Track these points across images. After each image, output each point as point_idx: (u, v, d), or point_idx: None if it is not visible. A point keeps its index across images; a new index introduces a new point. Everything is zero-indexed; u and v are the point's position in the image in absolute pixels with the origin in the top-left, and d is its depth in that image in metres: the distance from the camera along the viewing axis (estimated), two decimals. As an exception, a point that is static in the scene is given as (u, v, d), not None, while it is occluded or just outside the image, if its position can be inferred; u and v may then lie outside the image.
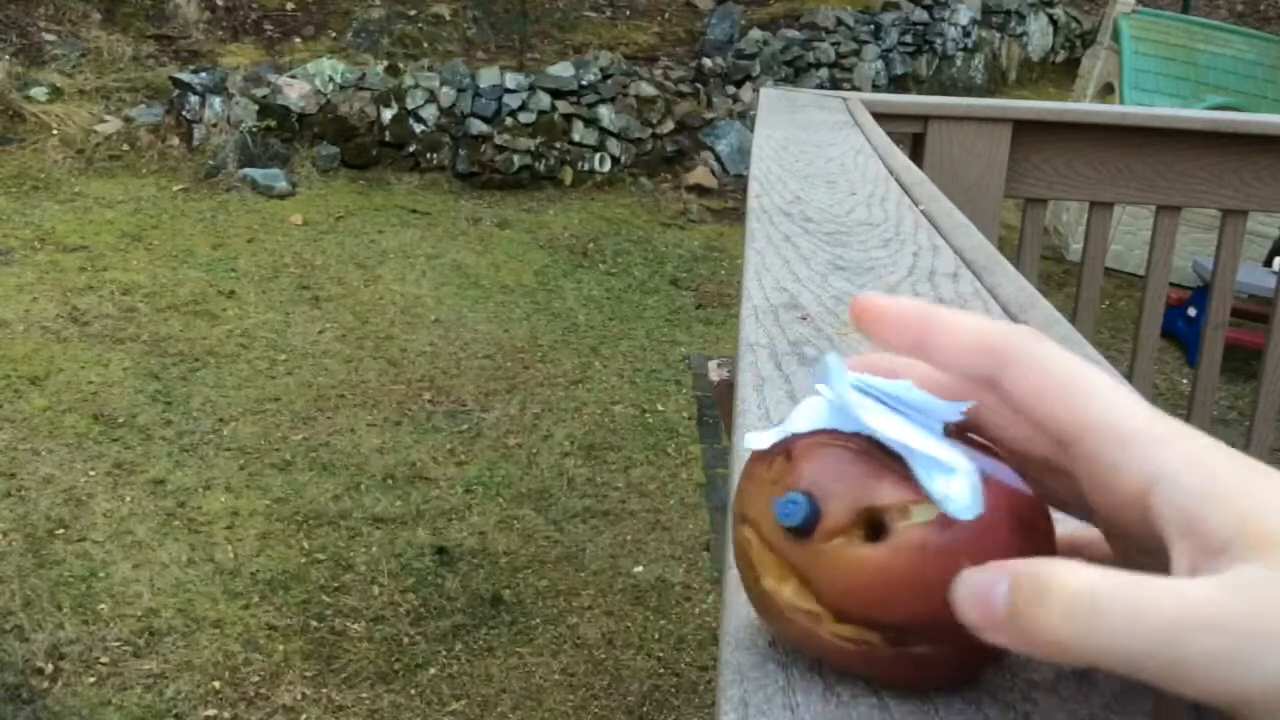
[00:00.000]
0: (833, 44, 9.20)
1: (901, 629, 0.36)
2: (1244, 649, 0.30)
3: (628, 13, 9.68)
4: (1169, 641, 0.30)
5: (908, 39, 9.70)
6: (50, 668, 3.18)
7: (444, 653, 3.38)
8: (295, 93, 7.42)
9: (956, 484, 0.36)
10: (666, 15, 9.68)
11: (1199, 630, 0.30)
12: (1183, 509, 0.33)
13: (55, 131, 7.23)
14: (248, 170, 7.14)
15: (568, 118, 7.86)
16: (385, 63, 7.92)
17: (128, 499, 4.00)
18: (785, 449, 0.39)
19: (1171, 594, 0.31)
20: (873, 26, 9.47)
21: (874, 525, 0.36)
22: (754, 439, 0.40)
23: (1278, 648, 0.30)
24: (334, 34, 8.74)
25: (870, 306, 0.40)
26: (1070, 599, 0.32)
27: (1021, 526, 0.37)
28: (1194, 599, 0.31)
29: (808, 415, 0.40)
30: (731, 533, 0.42)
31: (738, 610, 0.45)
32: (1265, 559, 0.31)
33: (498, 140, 7.66)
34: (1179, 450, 0.34)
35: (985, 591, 0.33)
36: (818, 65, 9.12)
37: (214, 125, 7.33)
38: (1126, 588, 0.31)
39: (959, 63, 10.15)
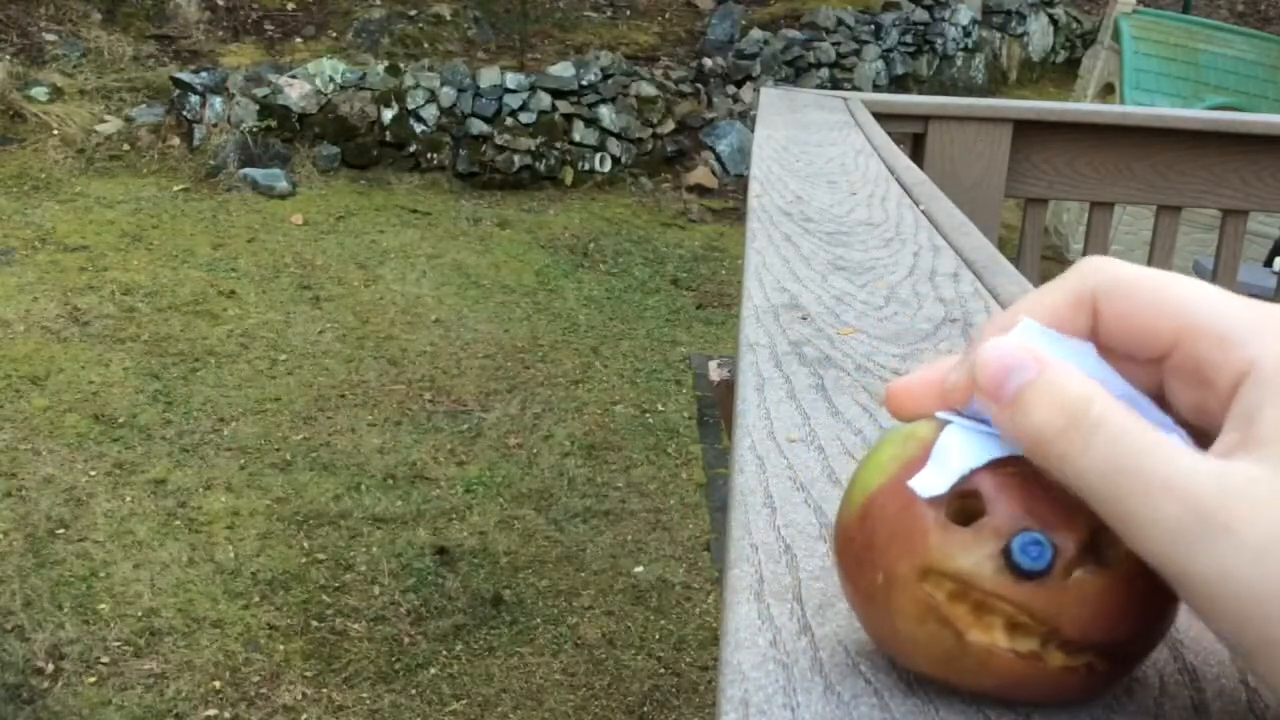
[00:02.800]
0: (833, 44, 9.20)
1: (1121, 642, 0.36)
2: (1201, 532, 0.30)
3: (628, 13, 9.67)
4: (1137, 491, 0.31)
5: (908, 39, 9.70)
6: (51, 667, 3.18)
7: (444, 653, 3.38)
8: (296, 93, 7.42)
9: None
10: (667, 15, 9.68)
11: (1168, 494, 0.30)
12: (1248, 404, 0.32)
13: (56, 131, 7.23)
14: (248, 170, 7.13)
15: (568, 118, 7.86)
16: (386, 63, 7.91)
17: (128, 499, 4.00)
18: (966, 490, 0.36)
19: (1163, 452, 0.31)
20: (873, 26, 9.47)
21: (1094, 547, 0.35)
22: (925, 485, 0.37)
23: (1234, 541, 0.29)
24: (334, 34, 8.74)
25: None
26: (1070, 404, 0.32)
27: None
28: (1180, 467, 0.31)
29: (963, 448, 0.37)
30: (878, 593, 0.38)
31: (738, 609, 0.44)
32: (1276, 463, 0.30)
33: (498, 140, 7.66)
34: (1276, 345, 0.33)
35: (1008, 371, 0.33)
36: (818, 65, 9.12)
37: (214, 125, 7.33)
38: (1128, 423, 0.31)
39: (959, 63, 10.15)
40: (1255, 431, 0.31)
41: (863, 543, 0.38)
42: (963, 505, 0.36)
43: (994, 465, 0.37)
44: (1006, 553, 0.35)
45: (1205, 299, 0.35)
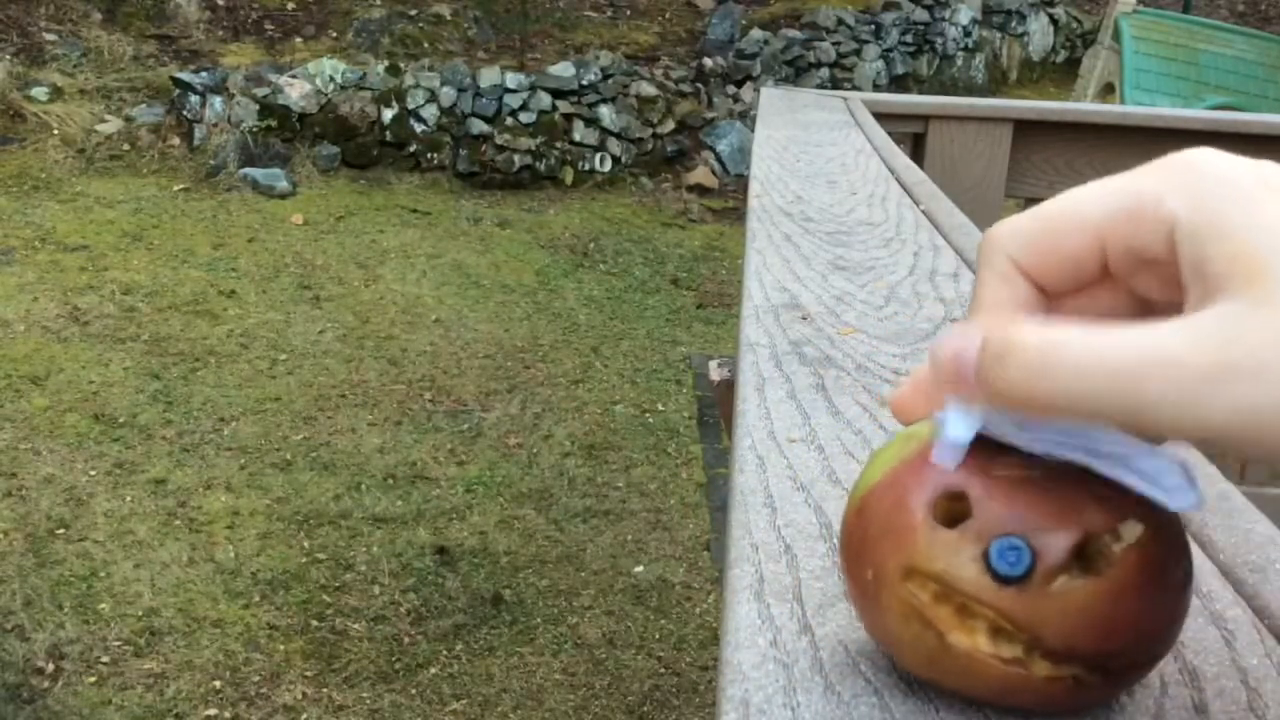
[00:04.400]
0: (833, 44, 9.20)
1: (1111, 655, 0.35)
2: (1201, 386, 0.29)
3: (628, 12, 9.67)
4: (1125, 385, 0.30)
5: (908, 39, 9.70)
6: (51, 667, 3.18)
7: (444, 652, 3.38)
8: (296, 92, 7.42)
9: (1180, 476, 0.34)
10: (667, 15, 9.68)
11: (1155, 368, 0.30)
12: (1193, 252, 0.32)
13: (56, 131, 7.23)
14: (248, 170, 7.13)
15: (568, 117, 7.86)
16: (386, 62, 7.91)
17: (128, 499, 4.00)
18: (955, 493, 0.36)
19: (1132, 337, 0.31)
20: (873, 26, 9.47)
21: (1083, 554, 0.35)
22: (941, 457, 0.37)
23: (1242, 381, 0.29)
24: (335, 34, 8.73)
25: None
26: (1028, 352, 0.32)
27: (1177, 530, 0.36)
28: (1153, 340, 0.30)
29: (963, 417, 0.37)
30: (869, 588, 0.38)
31: (738, 610, 0.45)
32: (1252, 293, 0.29)
33: (498, 140, 7.66)
34: (1177, 183, 0.33)
35: (960, 354, 0.34)
36: (818, 65, 9.12)
37: (215, 125, 7.33)
38: (1085, 336, 0.31)
39: (960, 62, 10.15)
40: (1210, 276, 0.31)
41: (859, 538, 0.38)
42: (951, 507, 0.36)
43: (985, 468, 0.36)
44: (986, 557, 0.35)
45: (1092, 194, 0.35)
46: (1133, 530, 0.35)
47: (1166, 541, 0.36)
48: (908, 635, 0.37)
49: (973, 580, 0.35)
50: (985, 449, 0.37)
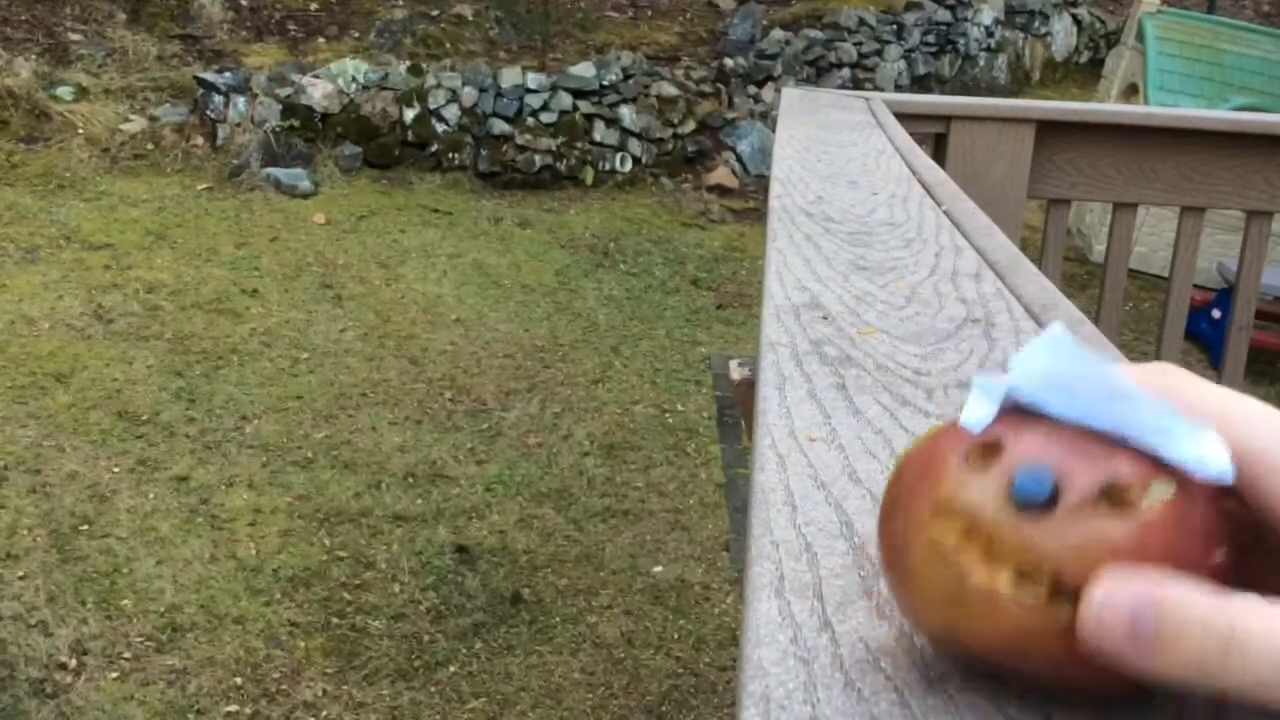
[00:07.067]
0: (855, 44, 9.18)
1: None
2: None
3: (649, 13, 9.68)
4: None
5: (930, 39, 9.67)
6: (74, 663, 3.21)
7: (464, 651, 3.40)
8: (318, 92, 7.45)
9: (1211, 446, 0.35)
10: (688, 15, 9.68)
11: None
12: None
13: (81, 131, 7.29)
14: (271, 170, 7.17)
15: (589, 118, 7.87)
16: (408, 63, 7.94)
17: (151, 496, 4.03)
18: (989, 441, 0.37)
19: None
20: (895, 26, 9.44)
21: (1110, 499, 0.35)
22: (971, 417, 0.38)
23: None
24: (357, 34, 8.77)
25: None
26: (1209, 632, 0.32)
27: (1225, 511, 0.36)
28: None
29: (994, 381, 0.38)
30: (899, 538, 0.38)
31: (759, 606, 0.45)
32: None
33: (519, 140, 7.67)
34: None
35: (1132, 617, 0.33)
36: (840, 65, 9.10)
37: (238, 125, 7.37)
38: (1265, 621, 0.32)
39: (982, 63, 10.11)
40: None
41: (894, 494, 0.39)
42: (985, 453, 0.37)
43: (1018, 418, 0.37)
44: (1011, 488, 0.35)
45: (1267, 422, 0.35)
46: (1164, 489, 0.35)
47: (1202, 514, 0.35)
48: (931, 575, 0.37)
49: (995, 512, 0.35)
50: (1019, 413, 0.37)
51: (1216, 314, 6.16)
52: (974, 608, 0.36)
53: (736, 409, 4.90)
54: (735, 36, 9.15)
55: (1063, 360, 0.37)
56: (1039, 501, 0.35)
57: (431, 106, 7.59)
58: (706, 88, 8.52)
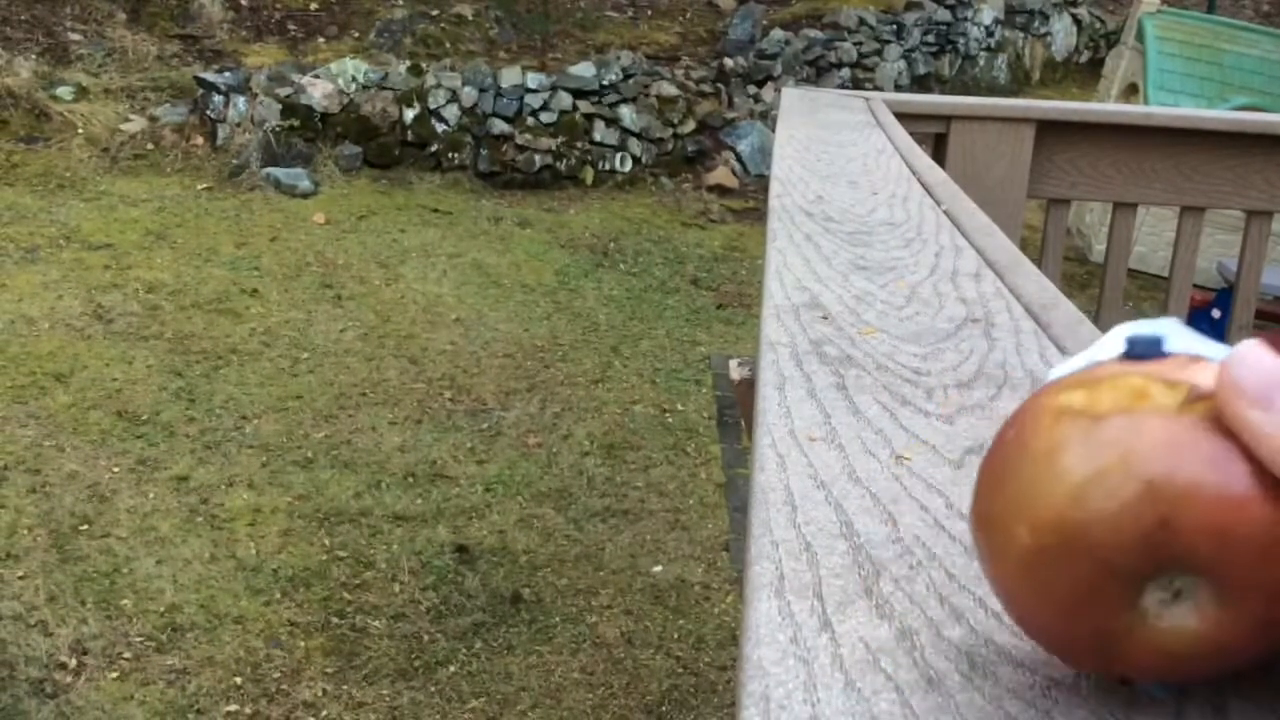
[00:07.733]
0: (855, 44, 9.18)
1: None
2: None
3: (649, 13, 9.68)
4: None
5: (930, 39, 9.67)
6: (74, 663, 3.21)
7: (464, 650, 3.40)
8: (318, 92, 7.45)
9: None
10: (688, 15, 9.68)
11: None
12: None
13: (81, 130, 7.29)
14: (271, 169, 7.17)
15: (589, 117, 7.87)
16: (408, 63, 7.94)
17: (151, 495, 4.03)
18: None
19: None
20: (895, 26, 9.44)
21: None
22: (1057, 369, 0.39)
23: None
24: (357, 34, 8.77)
25: None
26: None
27: None
28: None
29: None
30: (1010, 453, 0.37)
31: (759, 605, 0.45)
32: None
33: (519, 140, 7.67)
34: None
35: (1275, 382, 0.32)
36: (840, 65, 9.10)
37: (238, 125, 7.37)
38: None
39: (982, 63, 10.11)
40: None
41: (999, 437, 0.38)
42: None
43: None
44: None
45: None
46: None
47: None
48: (1063, 439, 0.35)
49: (1112, 363, 0.37)
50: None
51: (1216, 314, 6.16)
52: (1105, 433, 0.34)
53: (736, 409, 4.90)
54: (735, 36, 9.15)
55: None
56: (1150, 353, 0.36)
57: (431, 106, 7.59)
58: (706, 88, 8.52)
